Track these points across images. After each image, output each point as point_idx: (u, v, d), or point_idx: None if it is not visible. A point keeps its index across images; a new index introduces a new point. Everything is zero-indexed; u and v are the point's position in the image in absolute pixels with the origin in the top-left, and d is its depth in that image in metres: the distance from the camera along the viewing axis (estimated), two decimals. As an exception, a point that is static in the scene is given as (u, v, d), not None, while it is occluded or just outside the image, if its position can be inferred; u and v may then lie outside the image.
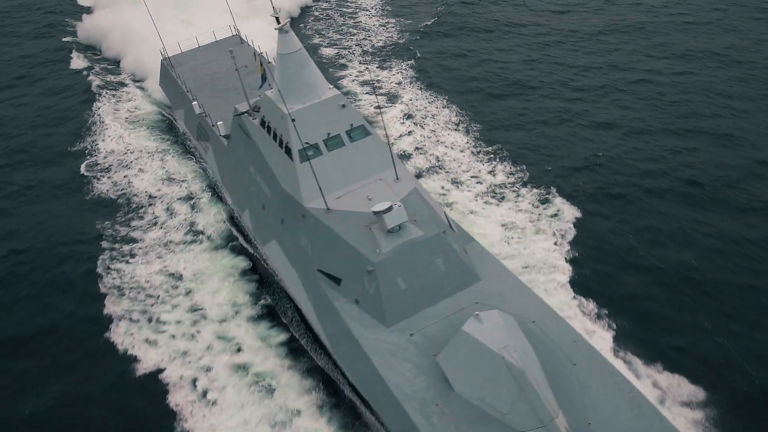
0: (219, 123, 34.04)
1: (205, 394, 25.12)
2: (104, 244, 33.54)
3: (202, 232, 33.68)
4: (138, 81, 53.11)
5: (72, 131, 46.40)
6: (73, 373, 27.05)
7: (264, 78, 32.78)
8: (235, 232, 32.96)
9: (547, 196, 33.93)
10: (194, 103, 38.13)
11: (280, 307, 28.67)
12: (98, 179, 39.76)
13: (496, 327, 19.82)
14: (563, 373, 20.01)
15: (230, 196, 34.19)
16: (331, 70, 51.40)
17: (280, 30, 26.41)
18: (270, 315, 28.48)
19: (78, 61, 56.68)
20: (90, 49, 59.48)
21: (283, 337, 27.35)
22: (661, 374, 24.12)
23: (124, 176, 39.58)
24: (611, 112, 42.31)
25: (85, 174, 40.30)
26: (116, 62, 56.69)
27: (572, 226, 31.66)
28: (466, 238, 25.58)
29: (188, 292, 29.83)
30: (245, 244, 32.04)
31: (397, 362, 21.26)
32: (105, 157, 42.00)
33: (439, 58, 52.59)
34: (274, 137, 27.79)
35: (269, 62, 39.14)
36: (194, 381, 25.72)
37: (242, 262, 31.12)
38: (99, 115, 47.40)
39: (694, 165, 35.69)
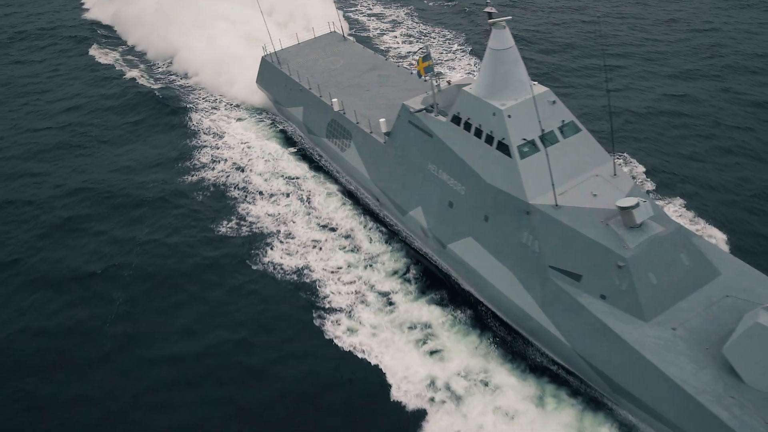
0: (381, 120, 33.57)
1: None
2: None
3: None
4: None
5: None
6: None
7: (420, 74, 32.39)
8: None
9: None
10: (334, 100, 37.54)
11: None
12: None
13: (791, 319, 20.08)
14: None
15: (387, 193, 33.80)
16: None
17: (496, 26, 26.24)
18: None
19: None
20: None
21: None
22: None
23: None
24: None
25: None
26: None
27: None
28: (689, 233, 25.83)
29: None
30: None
31: (672, 356, 21.36)
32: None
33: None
34: (477, 133, 27.55)
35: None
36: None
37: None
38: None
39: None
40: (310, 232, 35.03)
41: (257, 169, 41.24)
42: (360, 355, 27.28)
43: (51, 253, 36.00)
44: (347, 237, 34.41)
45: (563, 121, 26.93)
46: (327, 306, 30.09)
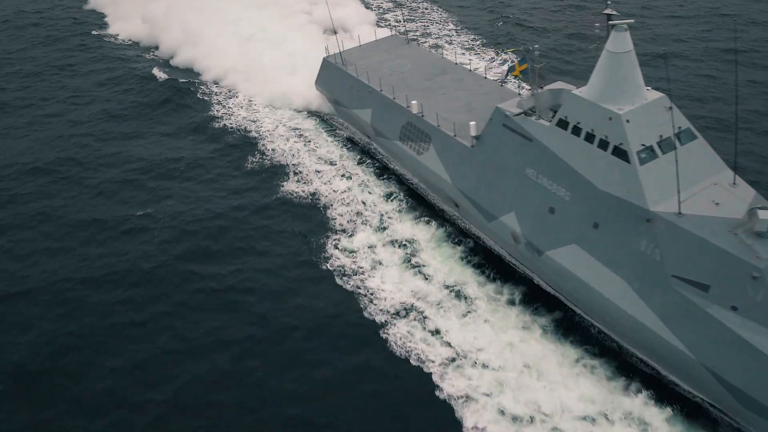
0: (471, 123, 32.82)
1: None
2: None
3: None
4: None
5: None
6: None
7: (516, 76, 31.95)
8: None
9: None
10: (413, 102, 36.86)
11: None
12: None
13: None
14: None
15: (472, 198, 33.08)
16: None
17: (616, 28, 25.66)
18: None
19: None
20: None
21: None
22: None
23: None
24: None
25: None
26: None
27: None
28: None
29: None
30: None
31: None
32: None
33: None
34: (588, 138, 26.89)
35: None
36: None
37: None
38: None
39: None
40: (315, 164, 42.17)
41: (269, 119, 48.71)
42: (357, 271, 32.87)
43: (100, 200, 41.57)
44: (346, 168, 41.49)
45: (680, 127, 26.31)
46: (332, 227, 36.36)
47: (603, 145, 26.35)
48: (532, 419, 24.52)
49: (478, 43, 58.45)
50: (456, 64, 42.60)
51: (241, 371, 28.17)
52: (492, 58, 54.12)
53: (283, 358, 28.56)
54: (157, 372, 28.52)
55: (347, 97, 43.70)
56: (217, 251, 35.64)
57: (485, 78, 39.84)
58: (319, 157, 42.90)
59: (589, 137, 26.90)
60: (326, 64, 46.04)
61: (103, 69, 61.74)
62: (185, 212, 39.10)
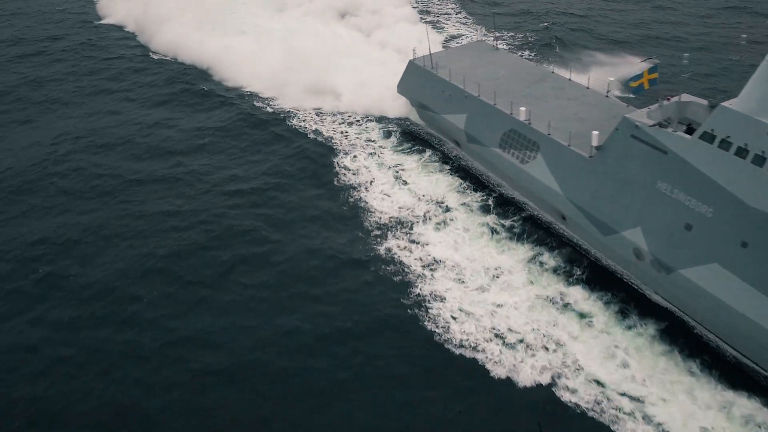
0: (594, 133, 31.65)
1: None
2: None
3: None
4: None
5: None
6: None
7: (642, 87, 30.95)
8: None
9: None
10: (521, 109, 35.72)
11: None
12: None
13: None
14: None
15: (587, 210, 31.86)
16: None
17: (782, 39, 24.56)
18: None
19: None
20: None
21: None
22: None
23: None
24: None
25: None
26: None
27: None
28: None
29: None
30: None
31: None
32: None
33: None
34: (739, 153, 25.67)
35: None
36: None
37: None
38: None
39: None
40: (319, 116, 50.36)
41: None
42: (357, 185, 40.80)
43: (143, 158, 47.17)
44: (347, 116, 49.83)
45: None
46: (335, 148, 45.02)
47: (758, 160, 25.11)
48: (492, 314, 29.84)
49: (471, 21, 66.85)
50: (553, 72, 41.52)
51: (275, 275, 34.15)
52: (484, 34, 61.30)
53: (303, 269, 34.58)
54: (199, 273, 34.74)
55: (436, 102, 42.57)
56: (245, 190, 41.68)
57: (587, 88, 38.74)
58: (324, 111, 50.52)
59: (741, 152, 25.67)
60: (412, 67, 44.96)
61: (127, 49, 68.29)
62: (216, 164, 45.02)
